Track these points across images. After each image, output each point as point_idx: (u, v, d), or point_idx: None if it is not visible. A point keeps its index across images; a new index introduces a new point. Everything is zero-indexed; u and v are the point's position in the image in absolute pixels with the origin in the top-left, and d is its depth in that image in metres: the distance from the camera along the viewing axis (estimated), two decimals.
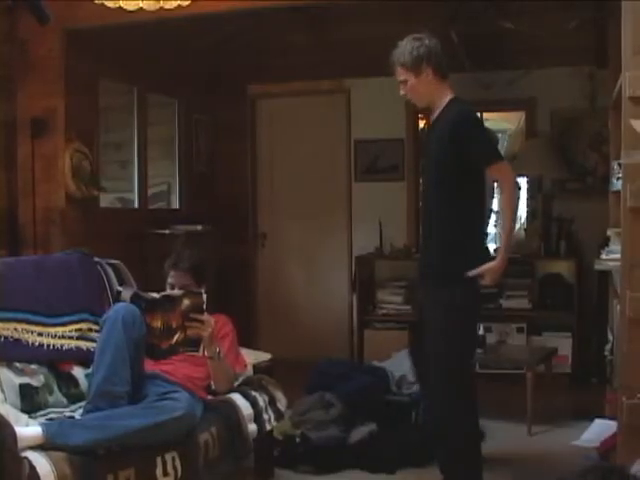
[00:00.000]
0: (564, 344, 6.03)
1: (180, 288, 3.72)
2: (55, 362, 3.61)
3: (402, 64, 3.60)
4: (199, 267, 3.82)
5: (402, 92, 3.69)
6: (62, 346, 3.64)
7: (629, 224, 3.21)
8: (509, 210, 3.59)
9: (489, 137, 3.69)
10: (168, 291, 3.62)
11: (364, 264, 6.79)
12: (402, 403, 4.71)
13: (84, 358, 3.68)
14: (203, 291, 3.49)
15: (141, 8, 3.91)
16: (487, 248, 3.85)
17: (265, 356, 4.41)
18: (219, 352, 3.57)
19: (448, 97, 3.63)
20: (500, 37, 5.75)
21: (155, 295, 3.51)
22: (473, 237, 3.64)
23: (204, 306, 3.46)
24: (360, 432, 4.43)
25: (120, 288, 3.91)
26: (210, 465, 3.32)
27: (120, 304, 3.44)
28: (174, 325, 3.45)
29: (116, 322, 3.27)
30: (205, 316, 3.47)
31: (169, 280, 3.80)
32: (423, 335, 3.69)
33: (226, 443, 3.44)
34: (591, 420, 4.41)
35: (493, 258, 3.60)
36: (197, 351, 3.54)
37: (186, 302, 3.44)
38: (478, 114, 3.77)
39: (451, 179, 3.53)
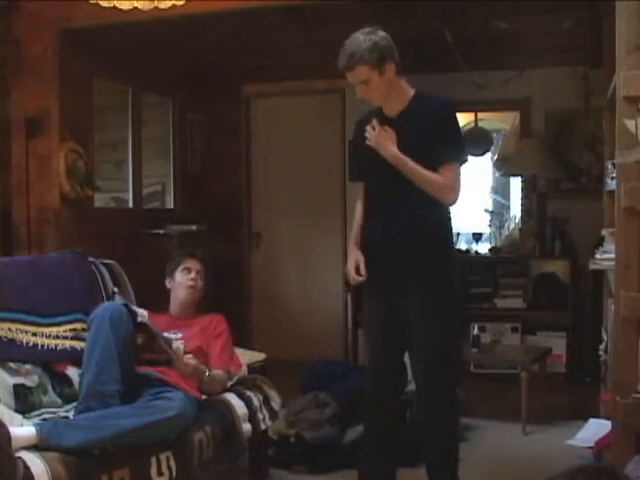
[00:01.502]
0: (558, 344, 6.05)
1: (197, 274, 3.90)
2: (49, 362, 3.60)
3: (365, 62, 3.32)
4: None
5: (360, 94, 3.47)
6: (56, 346, 3.63)
7: (623, 224, 3.21)
8: (428, 178, 3.32)
9: (462, 137, 3.53)
10: (148, 323, 3.50)
11: None
12: None
13: (78, 358, 3.65)
14: (181, 349, 3.48)
15: (136, 8, 3.92)
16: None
17: (259, 356, 4.41)
18: (209, 374, 3.58)
19: (411, 91, 3.48)
20: (495, 37, 5.75)
21: (139, 317, 3.47)
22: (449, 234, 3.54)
23: (181, 354, 3.46)
24: (355, 432, 4.42)
25: (116, 289, 3.93)
26: (205, 465, 3.32)
27: (107, 302, 3.46)
28: (155, 349, 3.44)
29: (103, 321, 3.27)
30: (182, 362, 3.47)
31: (186, 265, 3.92)
32: None
33: (220, 443, 3.44)
34: (585, 420, 4.43)
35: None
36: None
37: (163, 344, 3.43)
38: None
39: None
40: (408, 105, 3.46)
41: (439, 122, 3.38)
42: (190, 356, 3.52)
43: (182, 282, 3.89)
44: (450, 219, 3.50)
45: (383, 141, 3.41)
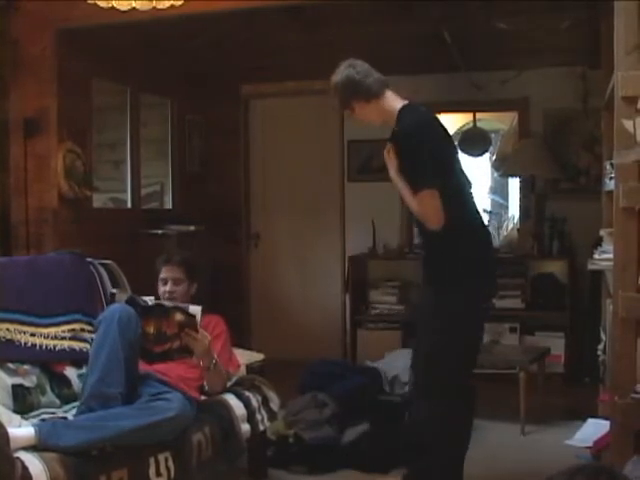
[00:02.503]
0: (557, 344, 6.05)
1: (173, 283, 3.79)
2: (48, 362, 3.60)
3: (337, 105, 3.65)
4: (190, 261, 3.89)
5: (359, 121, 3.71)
6: (55, 346, 3.63)
7: (622, 224, 3.22)
8: (411, 203, 3.43)
9: (421, 162, 3.42)
10: (162, 301, 3.60)
11: (357, 264, 6.80)
12: (395, 403, 4.71)
13: (77, 358, 3.68)
14: (198, 314, 3.45)
15: (134, 8, 3.91)
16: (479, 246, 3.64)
17: (258, 356, 4.41)
18: (215, 363, 3.56)
19: (398, 107, 3.56)
20: (493, 37, 5.75)
21: (149, 301, 3.50)
22: (457, 240, 3.48)
23: (198, 327, 3.44)
24: (353, 432, 4.43)
25: (114, 290, 3.91)
26: (203, 465, 3.32)
27: (116, 304, 3.44)
28: (168, 332, 3.42)
29: (112, 323, 3.26)
30: (200, 334, 3.45)
31: (162, 275, 3.83)
32: None
33: (219, 443, 3.44)
34: (584, 420, 4.43)
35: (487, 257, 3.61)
36: (191, 357, 3.53)
37: (180, 316, 3.42)
38: (427, 119, 3.60)
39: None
40: (396, 123, 3.57)
41: (401, 150, 3.49)
42: (206, 334, 3.51)
43: (160, 293, 3.83)
44: (463, 220, 3.51)
45: (388, 166, 3.55)
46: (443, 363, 3.45)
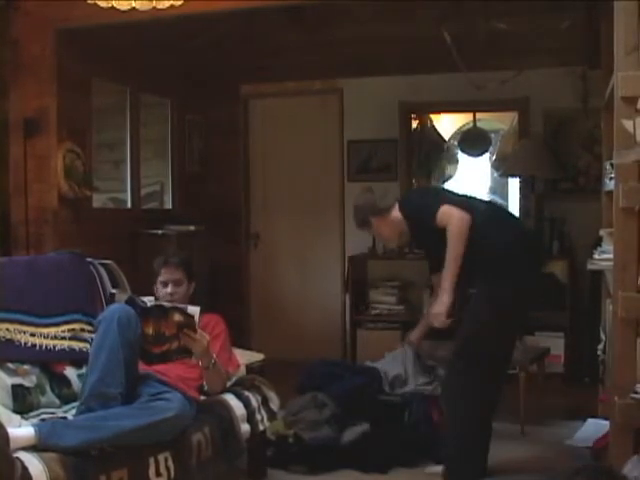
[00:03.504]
0: (557, 344, 6.04)
1: (174, 284, 3.78)
2: (48, 363, 3.60)
3: (358, 227, 4.25)
4: (188, 261, 3.90)
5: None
6: (54, 346, 3.63)
7: (621, 224, 3.22)
8: (453, 253, 3.80)
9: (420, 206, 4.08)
10: (161, 302, 3.60)
11: (357, 264, 6.79)
12: (395, 403, 4.71)
13: (77, 358, 3.68)
14: (196, 314, 3.45)
15: (134, 8, 3.91)
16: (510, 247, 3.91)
17: (258, 356, 4.41)
18: (214, 362, 3.56)
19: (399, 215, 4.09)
20: (493, 37, 5.76)
21: (148, 302, 3.50)
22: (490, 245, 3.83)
23: (196, 327, 3.43)
24: (353, 432, 4.42)
25: (114, 291, 3.91)
26: (203, 465, 3.31)
27: (116, 305, 3.44)
28: (167, 333, 3.42)
29: (111, 323, 3.26)
30: (199, 334, 3.45)
31: (161, 278, 3.81)
32: None
33: (219, 443, 3.44)
34: (584, 420, 4.43)
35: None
36: (190, 358, 3.53)
37: (178, 317, 3.42)
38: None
39: None
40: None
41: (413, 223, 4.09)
42: (205, 334, 3.51)
43: (161, 296, 3.81)
44: (486, 224, 3.87)
45: (435, 318, 3.91)
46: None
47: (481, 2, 5.03)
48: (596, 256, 3.97)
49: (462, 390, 3.81)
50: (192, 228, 6.31)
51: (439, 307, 3.81)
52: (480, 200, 4.31)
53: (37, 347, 3.57)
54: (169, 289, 3.80)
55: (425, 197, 4.30)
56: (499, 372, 3.97)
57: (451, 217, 3.77)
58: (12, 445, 2.68)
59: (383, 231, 4.18)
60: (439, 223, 3.79)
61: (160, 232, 6.08)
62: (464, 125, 7.84)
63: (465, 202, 3.92)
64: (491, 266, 3.81)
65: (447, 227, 3.77)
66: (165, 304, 3.51)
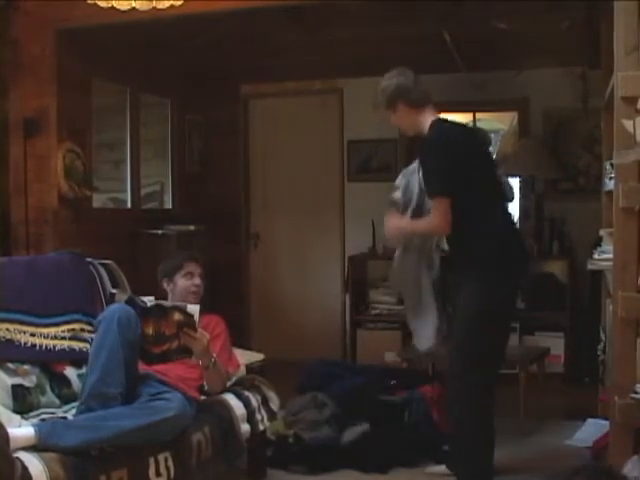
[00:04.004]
0: (557, 344, 6.05)
1: (200, 278, 3.88)
2: (48, 362, 3.60)
3: (380, 105, 3.91)
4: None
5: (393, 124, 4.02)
6: (54, 346, 3.63)
7: (621, 224, 3.22)
8: (420, 227, 3.89)
9: (435, 170, 3.73)
10: (161, 301, 3.61)
11: (357, 264, 6.80)
12: (395, 403, 4.71)
13: (77, 358, 3.68)
14: (196, 313, 3.45)
15: (134, 8, 3.91)
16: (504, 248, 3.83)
17: (258, 356, 4.41)
18: (214, 362, 3.56)
19: (429, 122, 3.81)
20: (493, 37, 5.75)
21: (148, 302, 3.50)
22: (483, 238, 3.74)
23: (196, 325, 3.44)
24: (353, 432, 4.42)
25: (114, 291, 3.91)
26: (203, 465, 3.31)
27: (116, 305, 3.44)
28: (167, 333, 3.42)
29: (111, 323, 3.26)
30: (199, 333, 3.46)
31: (187, 270, 3.88)
32: None
33: (219, 443, 3.44)
34: (584, 420, 4.43)
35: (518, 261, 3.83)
36: (190, 358, 3.53)
37: (178, 316, 3.42)
38: (446, 137, 3.79)
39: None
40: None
41: (420, 159, 3.85)
42: (205, 333, 3.52)
43: (186, 287, 3.85)
44: (479, 224, 3.74)
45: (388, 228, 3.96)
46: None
47: (481, 2, 5.02)
48: (596, 256, 3.97)
49: (467, 394, 3.75)
50: (192, 228, 6.32)
51: (396, 224, 3.94)
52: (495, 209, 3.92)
53: (37, 347, 3.57)
54: (197, 280, 3.87)
55: (442, 162, 3.69)
56: (494, 373, 3.92)
57: (434, 218, 3.73)
58: (12, 445, 2.67)
59: (405, 120, 3.92)
60: (427, 202, 3.82)
61: (160, 232, 6.09)
62: None
63: (474, 209, 3.73)
64: (486, 265, 3.73)
65: (429, 216, 3.79)
66: (165, 303, 3.51)
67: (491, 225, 3.77)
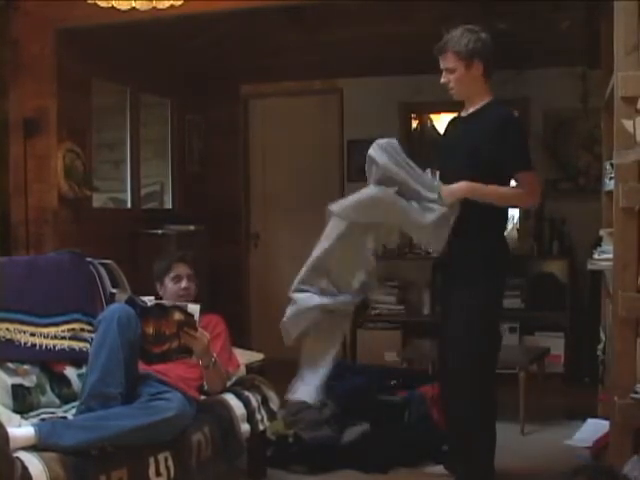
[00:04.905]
0: (557, 344, 6.05)
1: (188, 279, 3.82)
2: (47, 362, 3.60)
3: (456, 52, 3.60)
4: (195, 259, 3.95)
5: (443, 80, 3.70)
6: (54, 346, 3.63)
7: (621, 224, 3.22)
8: (506, 194, 3.61)
9: (527, 145, 3.66)
10: (161, 300, 3.61)
11: None
12: (395, 403, 4.71)
13: (77, 358, 3.68)
14: (196, 312, 3.45)
15: (134, 8, 3.91)
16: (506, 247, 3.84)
17: (258, 356, 4.42)
18: (214, 362, 3.56)
19: (489, 97, 3.69)
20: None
21: (148, 302, 3.50)
22: (491, 236, 3.69)
23: (197, 325, 3.44)
24: (353, 432, 4.43)
25: (114, 290, 3.91)
26: (203, 465, 3.31)
27: (115, 304, 3.44)
28: (167, 332, 3.42)
29: (111, 323, 3.26)
30: (199, 332, 3.46)
31: (174, 273, 3.83)
32: None
33: (219, 443, 3.44)
34: (584, 420, 4.43)
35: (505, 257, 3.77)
36: (190, 357, 3.53)
37: (179, 315, 3.42)
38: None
39: (480, 176, 3.55)
40: (479, 109, 3.68)
41: (503, 132, 3.54)
42: (205, 333, 3.51)
43: (175, 291, 3.81)
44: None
45: (452, 192, 3.53)
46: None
47: (481, 2, 5.02)
48: (596, 256, 3.98)
49: (469, 394, 3.73)
50: (192, 228, 6.31)
51: (470, 185, 3.55)
52: None
53: (37, 347, 3.57)
54: (184, 284, 3.82)
55: (527, 145, 3.67)
56: (494, 372, 3.91)
57: (530, 189, 3.56)
58: (12, 445, 2.68)
59: (466, 83, 3.67)
60: (518, 180, 3.60)
61: (160, 232, 6.08)
62: None
63: None
64: (493, 264, 3.69)
65: (521, 192, 3.57)
66: (165, 303, 3.51)
67: (505, 222, 3.82)
